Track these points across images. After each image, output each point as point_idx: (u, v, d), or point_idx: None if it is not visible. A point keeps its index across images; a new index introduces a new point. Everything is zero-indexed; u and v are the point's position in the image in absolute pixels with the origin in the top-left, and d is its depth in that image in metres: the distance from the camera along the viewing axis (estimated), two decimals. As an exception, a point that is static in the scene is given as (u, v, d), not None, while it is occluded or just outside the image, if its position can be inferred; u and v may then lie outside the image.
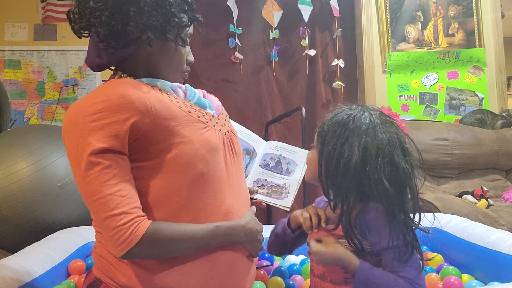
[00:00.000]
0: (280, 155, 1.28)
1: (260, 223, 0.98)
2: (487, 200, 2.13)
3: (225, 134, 0.96)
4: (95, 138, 0.78)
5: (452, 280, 1.21)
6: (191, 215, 0.86)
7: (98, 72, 2.79)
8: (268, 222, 2.57)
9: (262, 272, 1.30)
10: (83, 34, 0.92)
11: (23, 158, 1.74)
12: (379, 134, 0.84)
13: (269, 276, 1.31)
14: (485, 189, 2.21)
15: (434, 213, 1.69)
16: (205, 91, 1.05)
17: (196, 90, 0.99)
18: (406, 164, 0.84)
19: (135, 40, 0.90)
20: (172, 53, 0.95)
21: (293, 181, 1.22)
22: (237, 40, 2.95)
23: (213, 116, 0.96)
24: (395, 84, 2.97)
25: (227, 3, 2.90)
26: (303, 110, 2.25)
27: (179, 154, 0.84)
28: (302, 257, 1.51)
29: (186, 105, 0.91)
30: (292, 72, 3.06)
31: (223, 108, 1.05)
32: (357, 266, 0.81)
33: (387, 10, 2.97)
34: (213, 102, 1.01)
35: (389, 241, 0.80)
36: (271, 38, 2.97)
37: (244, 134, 1.29)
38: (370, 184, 0.81)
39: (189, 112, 0.89)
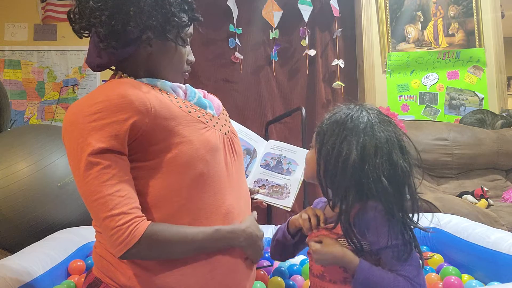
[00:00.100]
0: (281, 155, 1.28)
1: (261, 230, 0.97)
2: (487, 200, 2.13)
3: (226, 134, 0.96)
4: (95, 138, 0.78)
5: (452, 280, 1.21)
6: (191, 215, 0.85)
7: (98, 72, 2.80)
8: (268, 222, 2.57)
9: (262, 272, 1.30)
10: (84, 34, 0.92)
11: (23, 158, 1.74)
12: (377, 132, 0.84)
13: (269, 276, 1.31)
14: (485, 189, 2.21)
15: (435, 213, 1.69)
16: (205, 91, 1.05)
17: (196, 90, 0.99)
18: (405, 163, 0.84)
19: (135, 40, 0.89)
20: (173, 53, 0.95)
21: (294, 181, 1.22)
22: (237, 40, 2.95)
23: (213, 116, 0.95)
24: (395, 84, 2.97)
25: (227, 3, 2.90)
26: (303, 110, 2.25)
27: (179, 154, 0.84)
28: (302, 257, 1.51)
29: (186, 105, 0.91)
30: (292, 72, 3.06)
31: (224, 108, 1.05)
32: (357, 265, 0.81)
33: (387, 10, 2.97)
34: (214, 102, 1.01)
35: (388, 240, 0.80)
36: (271, 38, 2.97)
37: (245, 134, 1.29)
38: (368, 182, 0.81)
39: (189, 112, 0.89)
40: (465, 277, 1.31)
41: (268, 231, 1.68)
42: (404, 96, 2.96)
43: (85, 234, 1.56)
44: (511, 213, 1.98)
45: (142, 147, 0.83)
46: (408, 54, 2.97)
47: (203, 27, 2.89)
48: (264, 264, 1.43)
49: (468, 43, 2.99)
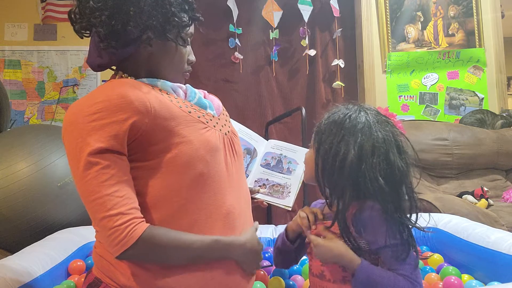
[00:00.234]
0: (281, 154, 1.28)
1: (261, 243, 0.96)
2: (487, 200, 2.13)
3: (226, 134, 0.96)
4: (94, 138, 0.78)
5: (452, 280, 1.21)
6: (191, 216, 0.85)
7: (98, 72, 2.80)
8: (268, 222, 2.57)
9: (262, 272, 1.30)
10: (84, 34, 0.92)
11: (23, 158, 1.74)
12: (375, 132, 0.85)
13: (269, 276, 1.31)
14: (485, 189, 2.21)
15: (434, 213, 1.69)
16: (205, 91, 1.04)
17: (196, 90, 0.99)
18: (402, 162, 0.84)
19: (136, 40, 0.89)
20: (173, 53, 0.95)
21: (294, 180, 1.22)
22: (237, 40, 2.95)
23: (213, 117, 0.95)
24: (395, 84, 2.97)
25: (227, 3, 2.90)
26: (303, 110, 2.25)
27: (178, 154, 0.84)
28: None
29: (186, 105, 0.91)
30: (292, 72, 3.06)
31: (224, 109, 1.05)
32: (357, 264, 0.81)
33: (387, 10, 2.97)
34: (214, 102, 1.01)
35: (386, 239, 0.80)
36: (271, 38, 2.97)
37: (245, 134, 1.29)
38: (365, 182, 0.82)
39: (189, 112, 0.89)
40: (465, 277, 1.31)
41: (268, 231, 1.68)
42: (404, 96, 2.96)
43: (85, 234, 1.56)
44: (511, 213, 1.98)
45: (142, 147, 0.83)
46: (408, 54, 2.97)
47: (203, 27, 2.89)
48: (264, 264, 1.43)
49: (468, 43, 2.99)
